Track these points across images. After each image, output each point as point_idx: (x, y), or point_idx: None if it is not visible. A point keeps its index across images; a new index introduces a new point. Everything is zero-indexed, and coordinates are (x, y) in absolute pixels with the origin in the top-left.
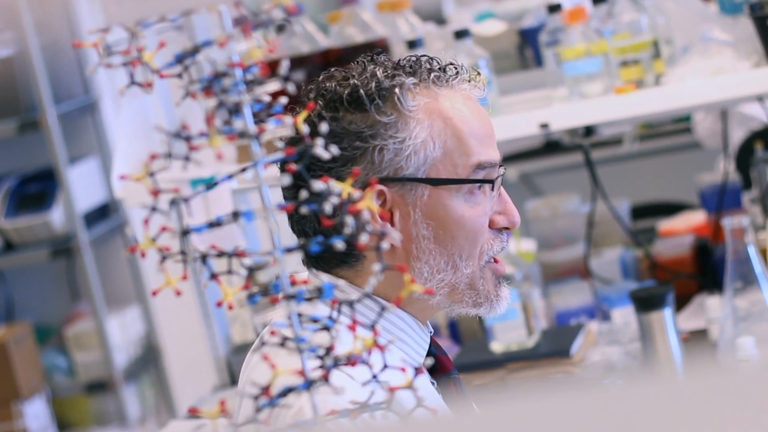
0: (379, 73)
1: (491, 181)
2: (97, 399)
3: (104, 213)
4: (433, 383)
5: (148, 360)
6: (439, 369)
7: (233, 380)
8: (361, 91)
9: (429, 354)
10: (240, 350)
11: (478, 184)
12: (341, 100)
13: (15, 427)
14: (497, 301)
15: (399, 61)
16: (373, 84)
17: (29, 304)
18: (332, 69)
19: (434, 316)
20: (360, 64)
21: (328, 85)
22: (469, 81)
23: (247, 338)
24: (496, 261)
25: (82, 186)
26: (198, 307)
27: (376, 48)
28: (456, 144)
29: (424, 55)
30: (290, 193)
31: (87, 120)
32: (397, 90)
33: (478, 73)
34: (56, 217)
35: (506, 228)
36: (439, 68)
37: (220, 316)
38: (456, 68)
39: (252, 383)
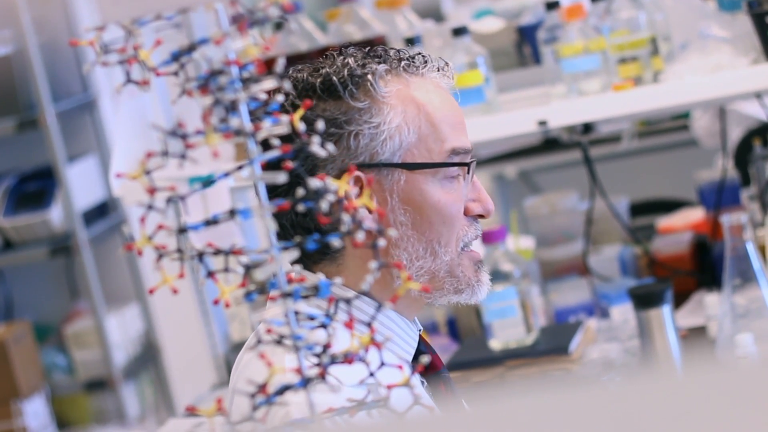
0: (351, 61)
1: (467, 164)
2: (97, 397)
3: (103, 211)
4: (423, 382)
5: (148, 358)
6: (428, 368)
7: None
8: (334, 78)
9: (417, 352)
10: (239, 348)
11: (454, 171)
12: (314, 89)
13: (14, 425)
14: (478, 286)
15: (368, 51)
16: (346, 71)
17: (28, 302)
18: (299, 65)
19: (420, 312)
20: (329, 57)
21: (298, 76)
22: (438, 70)
23: (245, 336)
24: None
25: (81, 184)
26: (197, 306)
27: (374, 45)
28: (430, 129)
29: (392, 48)
30: (273, 189)
31: (86, 118)
32: (369, 76)
33: (447, 63)
34: (55, 215)
35: (481, 216)
36: (408, 57)
37: (218, 315)
38: (425, 57)
39: (248, 381)
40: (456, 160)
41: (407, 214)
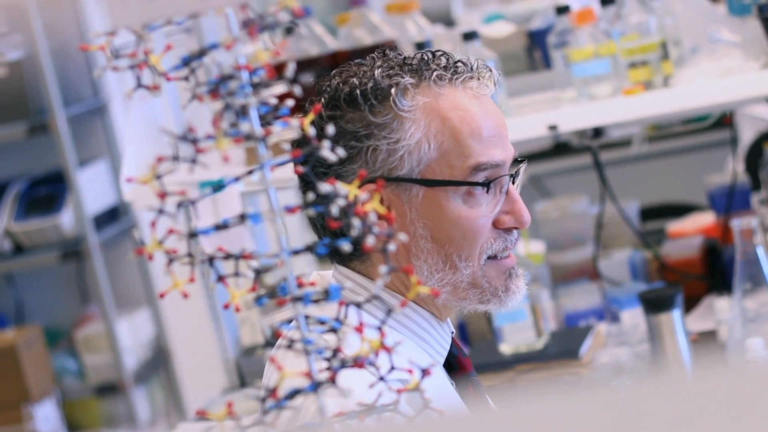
0: (377, 72)
1: (484, 184)
2: (107, 401)
3: (114, 216)
4: (452, 383)
5: (158, 362)
6: (458, 370)
7: (243, 382)
8: (358, 91)
9: (449, 354)
10: (249, 352)
11: (482, 185)
12: (341, 99)
13: (25, 429)
14: (505, 295)
15: (405, 58)
16: (370, 84)
17: (39, 307)
18: (351, 62)
19: (452, 313)
20: (371, 60)
21: (333, 82)
22: (479, 79)
23: (256, 340)
24: (508, 256)
25: (91, 189)
26: (207, 310)
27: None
28: (453, 145)
29: (439, 51)
30: (304, 193)
31: (96, 123)
32: (393, 90)
33: (490, 69)
34: (66, 220)
35: (515, 227)
36: (445, 67)
37: (229, 319)
38: (463, 67)
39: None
40: (483, 175)
41: (426, 228)
